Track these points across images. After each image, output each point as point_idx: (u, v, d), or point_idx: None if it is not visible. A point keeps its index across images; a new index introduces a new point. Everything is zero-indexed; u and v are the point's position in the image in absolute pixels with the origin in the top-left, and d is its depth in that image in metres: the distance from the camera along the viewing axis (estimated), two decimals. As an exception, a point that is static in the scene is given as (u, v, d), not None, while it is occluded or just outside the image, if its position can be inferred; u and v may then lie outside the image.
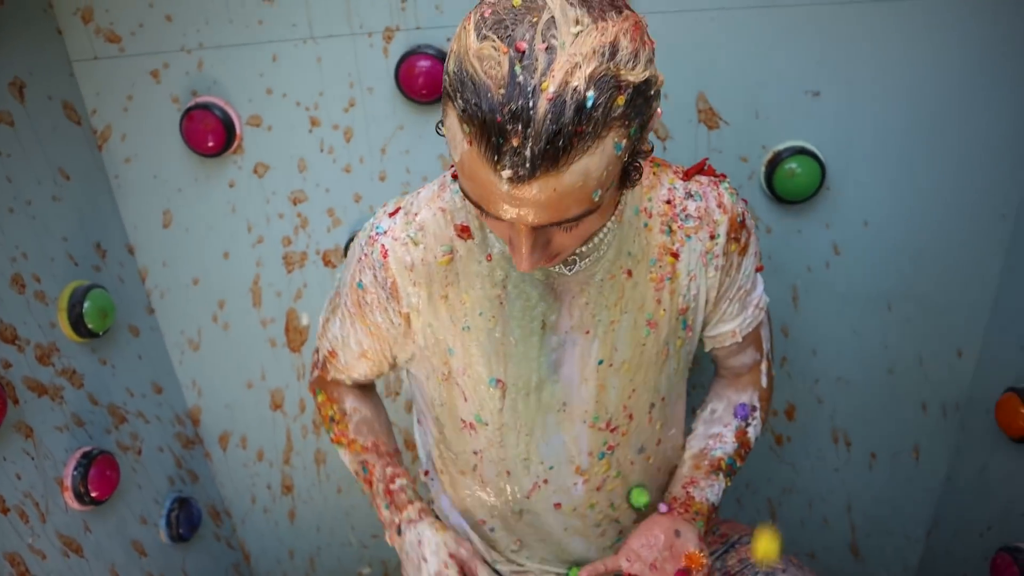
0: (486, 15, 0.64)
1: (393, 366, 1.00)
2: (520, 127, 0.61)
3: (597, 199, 0.67)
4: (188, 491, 1.47)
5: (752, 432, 1.02)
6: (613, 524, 1.02)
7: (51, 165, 1.17)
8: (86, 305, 1.17)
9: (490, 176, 0.64)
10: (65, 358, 1.17)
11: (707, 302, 0.92)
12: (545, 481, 0.95)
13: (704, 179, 0.90)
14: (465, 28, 0.65)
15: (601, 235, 0.83)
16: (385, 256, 0.86)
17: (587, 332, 0.88)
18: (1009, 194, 1.21)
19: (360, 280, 0.89)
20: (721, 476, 0.98)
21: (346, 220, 1.30)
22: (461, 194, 0.85)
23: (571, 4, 0.62)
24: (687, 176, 0.90)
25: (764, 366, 1.03)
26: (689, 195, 0.88)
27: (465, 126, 0.64)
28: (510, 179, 0.63)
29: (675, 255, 0.88)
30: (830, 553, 1.58)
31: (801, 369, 1.39)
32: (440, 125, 0.70)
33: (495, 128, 0.61)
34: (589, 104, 0.61)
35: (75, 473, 1.14)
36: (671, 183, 0.89)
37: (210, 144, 1.21)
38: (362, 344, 0.96)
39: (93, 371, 1.23)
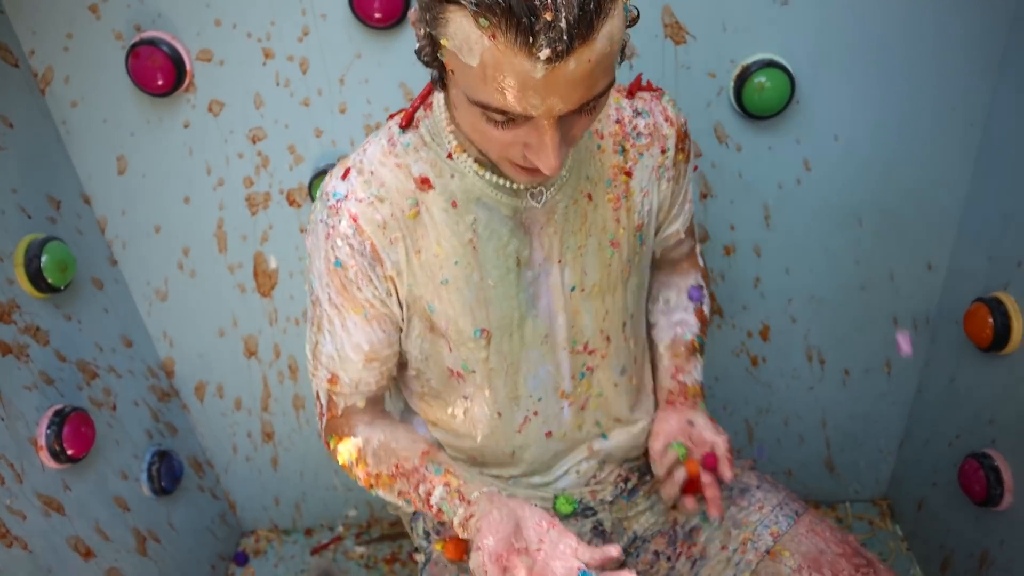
0: None
1: (401, 355, 0.94)
2: (549, 12, 0.58)
3: (616, 68, 0.66)
4: (168, 444, 1.46)
5: (706, 308, 1.08)
6: (599, 440, 1.01)
7: (-8, 112, 1.11)
8: (44, 259, 1.13)
9: (523, 65, 0.60)
10: (27, 315, 1.14)
11: (659, 212, 0.95)
12: (535, 413, 0.95)
13: (647, 95, 0.91)
14: None
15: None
16: (355, 220, 0.81)
17: (559, 261, 0.88)
18: (977, 100, 1.20)
19: (337, 258, 0.83)
20: (698, 355, 1.04)
21: (308, 156, 1.26)
22: (451, 123, 0.80)
23: None
24: (631, 94, 0.91)
25: (697, 248, 1.09)
26: (637, 113, 0.90)
27: (483, 19, 0.59)
28: (548, 58, 0.59)
29: (628, 173, 0.89)
30: (805, 470, 1.62)
31: (775, 288, 1.39)
32: (426, 48, 0.68)
33: (523, 9, 0.58)
34: None
35: (48, 432, 1.12)
36: (617, 103, 0.89)
37: (159, 83, 1.16)
38: (361, 345, 0.88)
39: (58, 327, 1.20)
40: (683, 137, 0.93)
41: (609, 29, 0.62)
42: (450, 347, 0.89)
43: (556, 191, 0.84)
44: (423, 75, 1.19)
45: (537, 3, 0.57)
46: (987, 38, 1.15)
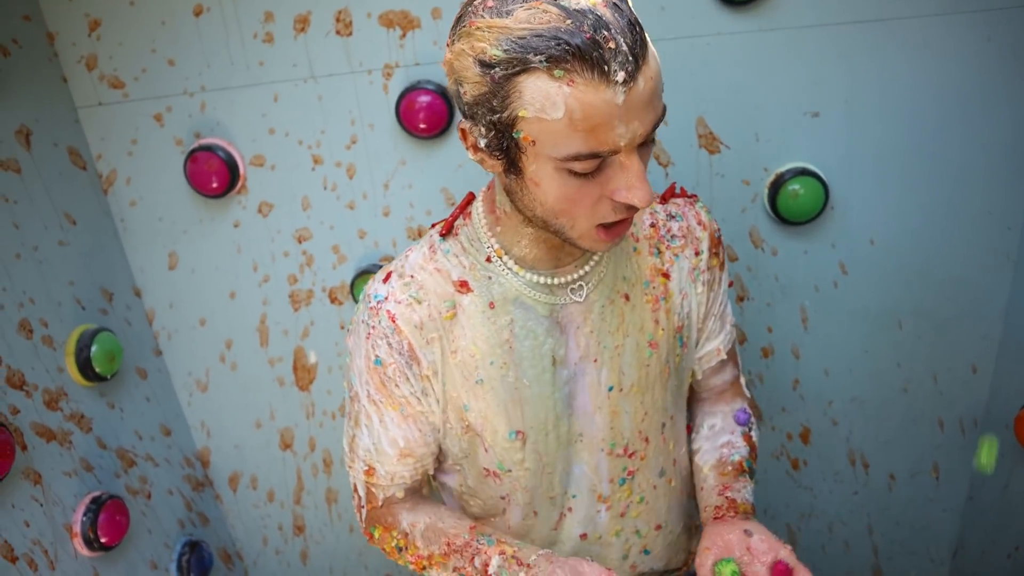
0: (488, 4, 0.68)
1: (437, 455, 0.94)
2: (606, 32, 0.65)
3: (663, 98, 0.72)
4: (199, 534, 1.45)
5: (755, 435, 1.03)
6: (641, 555, 1.00)
7: (57, 210, 1.18)
8: (94, 349, 1.17)
9: (605, 94, 0.66)
10: (73, 402, 1.17)
11: (698, 318, 0.96)
12: (570, 509, 0.94)
13: (680, 200, 0.96)
14: (479, 24, 0.68)
15: (598, 256, 0.87)
16: (394, 320, 0.84)
17: (595, 360, 0.88)
18: (1014, 206, 1.20)
19: (376, 356, 0.85)
20: (747, 477, 0.97)
21: (351, 256, 1.30)
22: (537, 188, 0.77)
23: None
24: (664, 200, 0.96)
25: (743, 380, 1.07)
26: (671, 216, 0.94)
27: (558, 71, 0.66)
28: (624, 80, 0.66)
29: (666, 275, 0.91)
30: (853, 579, 1.55)
31: (814, 391, 1.37)
32: (493, 139, 0.72)
33: (590, 45, 0.65)
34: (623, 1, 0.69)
35: (84, 519, 1.13)
36: (651, 208, 0.94)
37: (214, 185, 1.22)
38: (397, 441, 0.89)
39: (101, 415, 1.23)
40: (716, 242, 0.95)
41: (652, 50, 0.69)
42: (486, 447, 0.90)
43: (593, 288, 0.87)
44: (464, 182, 1.24)
45: (598, 37, 0.65)
46: (1019, 146, 1.16)
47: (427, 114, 1.16)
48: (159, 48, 1.19)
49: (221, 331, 1.37)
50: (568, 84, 0.66)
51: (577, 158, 0.69)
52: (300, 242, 1.30)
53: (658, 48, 1.14)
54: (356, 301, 1.31)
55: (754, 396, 1.39)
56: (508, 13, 0.67)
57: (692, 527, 1.08)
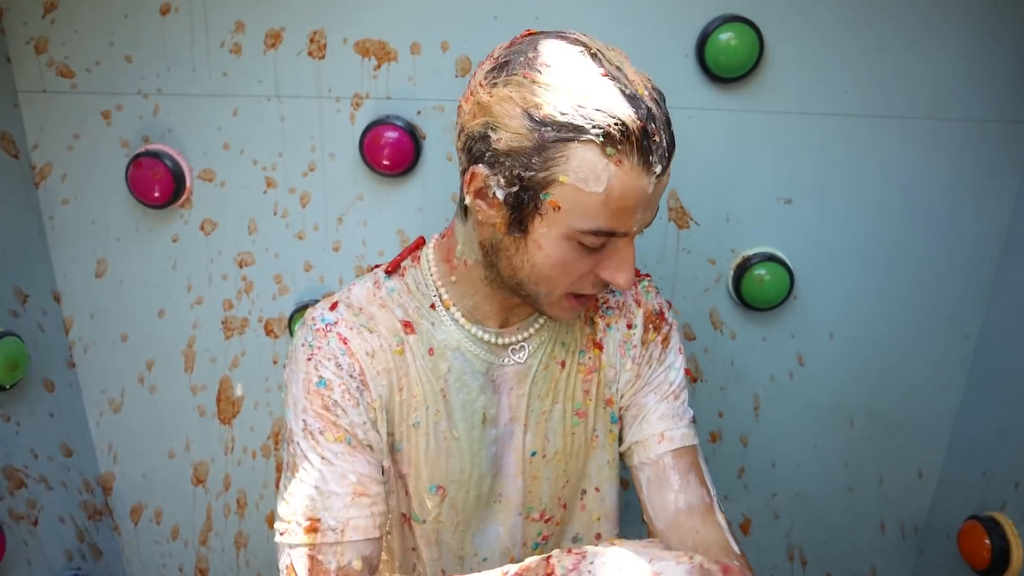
0: (544, 61, 0.69)
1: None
2: (654, 124, 0.68)
3: None
4: (88, 568, 1.33)
5: None
6: None
7: (-24, 200, 1.08)
8: (-7, 354, 1.06)
9: (642, 181, 0.69)
10: (-39, 412, 1.06)
11: (628, 392, 0.91)
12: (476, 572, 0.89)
13: None
14: (536, 78, 0.68)
15: (542, 320, 0.88)
16: (346, 343, 0.80)
17: (523, 424, 0.88)
18: (972, 315, 1.21)
19: (321, 377, 0.78)
20: None
21: (293, 289, 1.22)
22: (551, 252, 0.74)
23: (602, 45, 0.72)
24: None
25: (720, 516, 0.84)
26: (610, 290, 0.92)
27: (610, 148, 0.67)
28: (659, 173, 0.70)
29: (599, 346, 0.90)
30: None
31: (759, 481, 1.33)
32: (520, 195, 0.70)
33: (642, 132, 0.67)
34: (662, 97, 0.72)
35: (-49, 545, 1.01)
36: None
37: (156, 194, 1.14)
38: (347, 475, 0.76)
39: (-7, 428, 1.12)
40: (655, 317, 0.92)
41: None
42: (407, 491, 0.87)
43: (532, 352, 0.87)
44: (421, 225, 1.18)
45: (649, 128, 0.68)
46: (981, 258, 1.18)
47: (392, 151, 1.10)
48: (117, 42, 1.11)
49: (143, 350, 1.27)
50: (616, 164, 0.67)
51: (597, 233, 0.71)
52: (241, 267, 1.22)
53: (638, 114, 1.12)
54: (292, 336, 1.23)
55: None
56: (568, 76, 0.67)
57: None
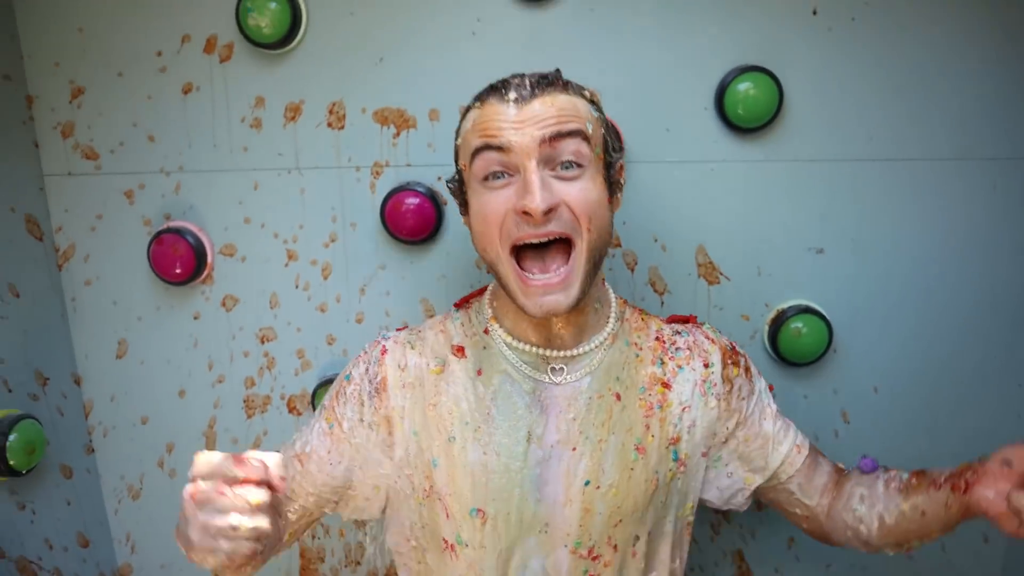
0: None
1: (336, 502, 0.93)
2: (520, 77, 0.82)
3: (590, 131, 0.81)
4: (101, 670, 1.25)
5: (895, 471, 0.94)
6: None
7: (1, 280, 1.08)
8: (11, 437, 1.04)
9: (497, 108, 0.80)
10: (-26, 500, 1.02)
11: (714, 434, 0.91)
12: None
13: (686, 324, 0.98)
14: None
15: (596, 339, 0.88)
16: (383, 353, 0.90)
17: (574, 449, 0.86)
18: (1022, 359, 1.14)
19: (350, 372, 0.91)
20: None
21: (316, 363, 1.20)
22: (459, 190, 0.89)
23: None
24: (669, 322, 0.98)
25: (830, 467, 0.98)
26: (676, 332, 0.94)
27: (478, 101, 0.83)
28: (516, 100, 0.80)
29: (666, 385, 0.90)
30: None
31: (812, 551, 1.24)
32: (456, 182, 0.88)
33: (502, 82, 0.83)
34: (557, 73, 0.84)
35: (-42, 645, 0.96)
36: (658, 327, 0.95)
37: (178, 271, 1.13)
38: (306, 445, 0.91)
39: (6, 516, 1.08)
40: (731, 352, 0.93)
41: (572, 100, 0.81)
42: (448, 513, 0.87)
43: (580, 376, 0.87)
44: (445, 293, 1.16)
45: (510, 79, 0.83)
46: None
47: (414, 217, 1.09)
48: (140, 122, 1.13)
49: (163, 432, 1.24)
50: (478, 108, 0.82)
51: (478, 152, 0.80)
52: (263, 342, 1.20)
53: (660, 171, 1.11)
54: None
55: (743, 551, 1.25)
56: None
57: None
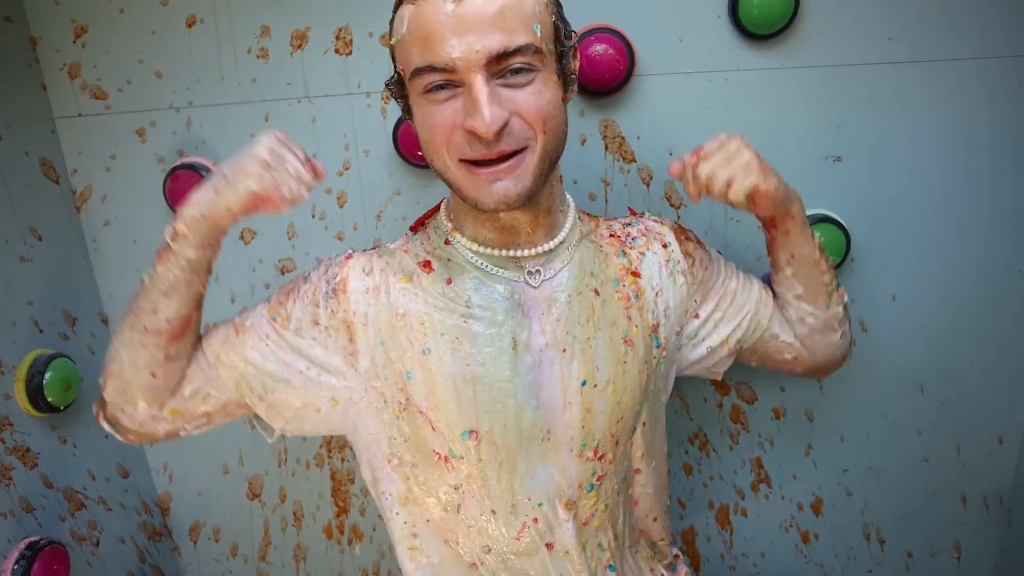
0: None
1: (260, 397, 0.86)
2: None
3: (539, 34, 0.74)
4: (150, 590, 1.32)
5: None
6: (605, 571, 0.92)
7: (22, 224, 1.09)
8: (47, 376, 1.07)
9: (434, 7, 0.71)
10: (18, 434, 1.06)
11: (686, 311, 0.93)
12: (535, 520, 0.87)
13: (629, 217, 0.98)
14: None
15: (553, 242, 0.85)
16: (348, 259, 0.86)
17: (564, 350, 0.84)
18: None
19: (308, 274, 0.87)
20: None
21: (336, 289, 1.21)
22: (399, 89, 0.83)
23: None
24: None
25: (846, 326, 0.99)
26: (626, 224, 0.94)
27: None
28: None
29: (636, 274, 0.90)
30: (866, 668, 1.42)
31: (828, 458, 1.27)
32: (396, 85, 0.81)
33: None
34: None
35: (16, 567, 1.01)
36: (607, 224, 0.94)
37: (195, 207, 1.14)
38: (247, 318, 0.88)
39: (50, 450, 1.12)
40: (681, 228, 0.95)
41: None
42: (433, 426, 0.84)
43: (553, 275, 0.85)
44: (462, 212, 1.16)
45: None
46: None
47: (426, 140, 1.09)
48: (147, 59, 1.12)
49: (192, 365, 1.27)
50: (412, 4, 0.74)
51: (419, 72, 0.74)
52: (283, 273, 1.21)
53: (674, 81, 1.09)
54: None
55: (761, 459, 1.28)
56: None
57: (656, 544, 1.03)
